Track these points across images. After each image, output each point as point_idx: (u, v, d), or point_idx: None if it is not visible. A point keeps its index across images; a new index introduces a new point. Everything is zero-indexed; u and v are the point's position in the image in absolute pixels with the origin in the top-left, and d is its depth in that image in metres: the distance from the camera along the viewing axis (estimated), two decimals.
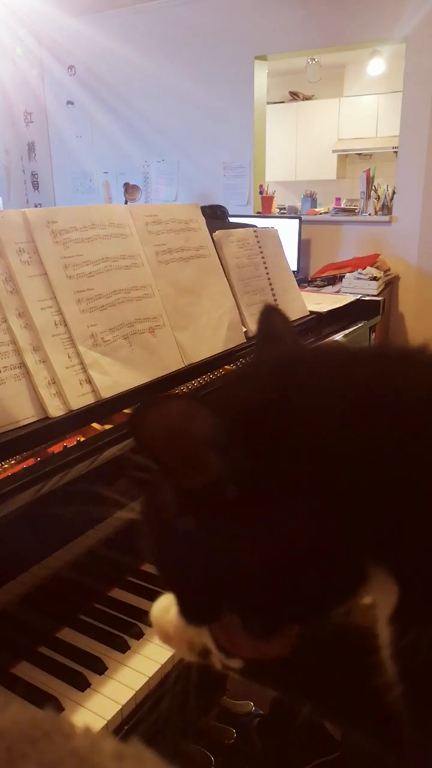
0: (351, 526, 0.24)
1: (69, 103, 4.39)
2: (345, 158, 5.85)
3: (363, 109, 5.48)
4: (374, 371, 0.27)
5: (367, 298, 1.52)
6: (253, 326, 1.16)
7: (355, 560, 0.24)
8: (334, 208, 3.82)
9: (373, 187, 3.45)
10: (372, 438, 0.24)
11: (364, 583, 0.24)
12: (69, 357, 0.79)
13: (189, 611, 0.30)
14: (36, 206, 4.54)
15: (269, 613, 0.26)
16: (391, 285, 3.39)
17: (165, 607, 0.33)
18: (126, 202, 3.75)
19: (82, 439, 0.77)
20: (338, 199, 4.03)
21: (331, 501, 0.24)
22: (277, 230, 1.33)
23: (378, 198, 3.43)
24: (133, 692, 0.62)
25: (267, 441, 0.26)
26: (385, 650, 0.24)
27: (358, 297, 1.50)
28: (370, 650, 0.24)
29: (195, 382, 0.97)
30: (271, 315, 0.37)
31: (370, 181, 3.45)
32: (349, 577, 0.24)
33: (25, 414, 0.73)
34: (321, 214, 3.79)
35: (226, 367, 1.05)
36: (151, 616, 0.35)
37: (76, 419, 0.77)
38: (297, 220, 3.48)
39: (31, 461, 0.71)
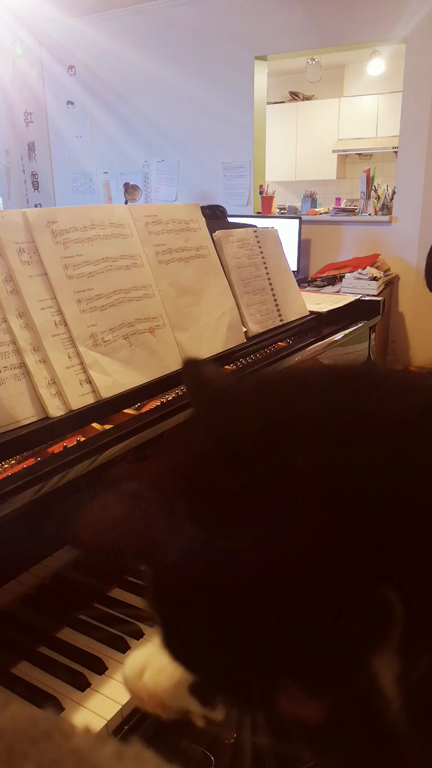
0: (353, 552, 0.23)
1: (69, 103, 4.39)
2: (345, 158, 5.85)
3: (363, 109, 5.48)
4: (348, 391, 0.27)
5: (367, 298, 1.52)
6: (253, 326, 1.16)
7: (369, 589, 0.23)
8: (334, 208, 3.82)
9: (373, 187, 3.45)
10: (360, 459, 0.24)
11: (394, 618, 0.23)
12: (69, 357, 0.79)
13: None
14: (36, 206, 4.54)
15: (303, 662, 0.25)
16: (391, 285, 3.40)
17: (138, 669, 0.32)
18: (126, 202, 3.75)
19: (82, 439, 0.77)
20: (338, 199, 4.04)
21: (327, 526, 0.24)
22: (276, 230, 1.33)
23: (378, 198, 3.44)
24: None
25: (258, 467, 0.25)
26: (386, 681, 0.23)
27: (358, 297, 1.50)
28: (370, 677, 0.24)
29: None
30: (193, 369, 0.34)
31: (370, 181, 3.45)
32: (335, 617, 0.24)
33: (25, 414, 0.73)
34: (321, 214, 3.80)
35: (226, 367, 1.05)
36: (124, 679, 0.33)
37: (76, 419, 0.77)
38: (297, 220, 3.48)
39: (31, 461, 0.71)
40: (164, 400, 0.90)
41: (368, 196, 3.46)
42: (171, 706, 0.30)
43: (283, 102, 5.80)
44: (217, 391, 0.31)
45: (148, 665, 0.33)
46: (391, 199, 3.38)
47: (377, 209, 3.45)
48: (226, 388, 0.32)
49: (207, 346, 1.01)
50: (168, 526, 0.25)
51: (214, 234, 1.12)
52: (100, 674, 0.64)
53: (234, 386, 0.32)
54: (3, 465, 0.71)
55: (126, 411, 0.85)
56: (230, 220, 2.92)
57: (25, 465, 0.70)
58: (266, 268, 1.24)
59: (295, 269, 3.38)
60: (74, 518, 0.26)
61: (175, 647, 0.29)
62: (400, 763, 0.25)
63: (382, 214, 3.43)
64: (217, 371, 0.36)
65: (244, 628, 0.25)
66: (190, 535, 0.25)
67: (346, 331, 1.33)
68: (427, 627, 0.23)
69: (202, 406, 0.31)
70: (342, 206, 3.87)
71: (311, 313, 1.34)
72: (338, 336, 1.29)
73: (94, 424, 0.80)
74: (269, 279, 1.24)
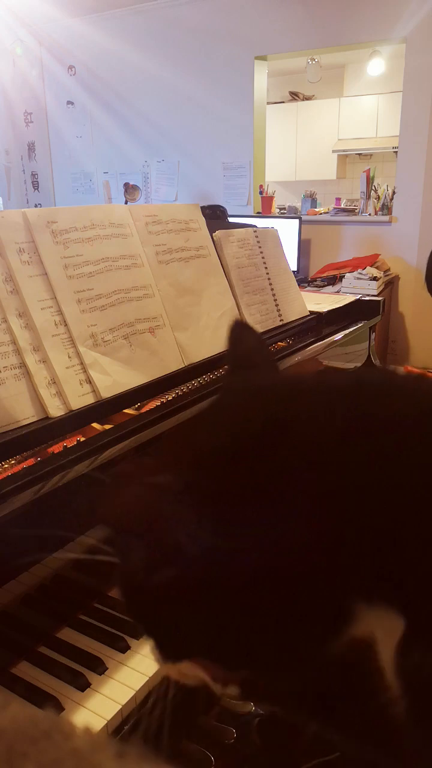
0: (353, 552, 0.23)
1: (69, 103, 4.39)
2: (345, 158, 5.85)
3: (363, 109, 5.48)
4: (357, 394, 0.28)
5: (367, 298, 1.52)
6: (253, 326, 1.16)
7: (344, 598, 0.23)
8: (334, 208, 3.82)
9: (373, 187, 3.45)
10: (364, 459, 0.24)
11: (349, 623, 0.24)
12: (69, 357, 0.79)
13: (164, 648, 0.30)
14: (36, 206, 4.54)
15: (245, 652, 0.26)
16: (391, 285, 3.40)
17: None
18: (126, 202, 3.75)
19: (82, 439, 0.77)
20: (338, 199, 4.04)
21: (327, 526, 0.24)
22: (276, 230, 1.33)
23: (378, 198, 3.44)
24: (133, 692, 0.62)
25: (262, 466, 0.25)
26: (388, 670, 0.23)
27: (358, 297, 1.50)
28: (372, 668, 0.24)
29: (195, 382, 0.97)
30: (241, 332, 0.36)
31: (370, 181, 3.45)
32: (335, 616, 0.24)
33: (25, 414, 0.73)
34: (321, 214, 3.80)
35: (226, 367, 1.05)
36: (151, 648, 0.34)
37: (76, 419, 0.77)
38: (297, 221, 3.48)
39: (31, 461, 0.71)
40: (164, 400, 0.90)
41: (368, 196, 3.46)
42: (190, 675, 0.31)
43: (283, 102, 5.79)
44: (225, 390, 0.31)
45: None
46: (391, 199, 3.38)
47: (377, 209, 3.45)
48: (234, 388, 0.32)
49: (207, 346, 1.01)
50: (172, 525, 0.25)
51: (214, 234, 1.12)
52: (100, 674, 0.64)
53: (241, 385, 0.33)
54: (3, 465, 0.71)
55: (126, 411, 0.85)
56: (230, 220, 2.92)
57: (25, 465, 0.70)
58: (266, 268, 1.24)
59: (295, 269, 3.38)
60: (105, 504, 0.27)
61: (168, 650, 0.29)
62: (401, 755, 0.26)
63: (382, 214, 3.43)
64: (259, 342, 0.37)
65: (243, 629, 0.25)
66: (191, 535, 0.25)
67: (346, 331, 1.33)
68: (427, 627, 0.23)
69: (220, 394, 0.32)
70: (342, 206, 3.87)
71: (311, 313, 1.34)
72: (338, 336, 1.29)
73: (94, 424, 0.80)
74: (269, 279, 1.24)
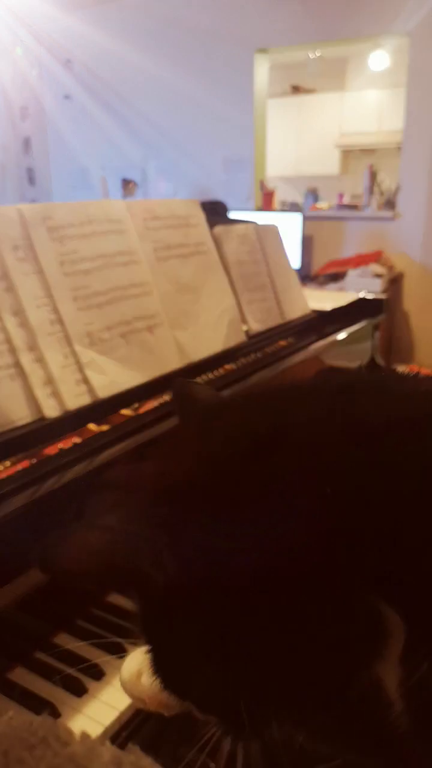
0: (353, 554, 0.22)
1: (66, 98, 4.37)
2: (348, 153, 5.81)
3: (366, 103, 5.44)
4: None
5: (371, 296, 1.50)
6: (254, 324, 1.15)
7: (363, 600, 0.22)
8: (337, 204, 3.80)
9: (377, 183, 3.43)
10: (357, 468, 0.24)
11: (384, 633, 0.22)
12: (65, 356, 0.78)
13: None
14: (32, 202, 4.53)
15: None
16: (394, 282, 3.38)
17: (135, 672, 0.32)
18: (124, 198, 3.73)
19: (78, 440, 0.76)
20: (341, 195, 4.01)
21: (327, 526, 0.23)
22: (278, 226, 1.31)
23: (381, 194, 3.41)
24: None
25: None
26: (390, 686, 0.23)
27: (361, 295, 1.48)
28: (373, 681, 0.23)
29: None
30: (183, 389, 0.35)
31: (373, 176, 3.42)
32: (335, 617, 0.23)
33: (20, 415, 0.72)
34: (323, 210, 3.77)
35: (225, 366, 1.04)
36: (122, 683, 0.33)
37: (73, 420, 0.76)
38: (299, 216, 3.46)
39: (26, 463, 0.70)
40: (163, 401, 0.89)
41: (371, 192, 3.44)
42: (172, 703, 0.30)
43: (284, 96, 5.76)
44: (207, 406, 0.32)
45: (144, 667, 0.33)
46: (395, 194, 3.36)
47: (381, 205, 3.43)
48: (216, 403, 0.32)
49: (206, 345, 0.99)
50: (156, 549, 0.25)
51: (213, 230, 1.11)
52: (98, 680, 0.63)
53: (226, 400, 0.32)
54: None
55: (123, 412, 0.84)
56: (231, 215, 2.90)
57: (19, 467, 0.68)
58: (267, 264, 1.22)
59: (298, 266, 3.37)
60: (55, 554, 0.27)
61: (165, 673, 0.28)
62: (403, 764, 0.25)
63: (386, 210, 3.40)
64: (208, 391, 0.36)
65: (243, 630, 0.25)
66: (187, 541, 0.25)
67: (349, 330, 1.31)
68: (426, 630, 0.22)
69: (192, 421, 0.31)
70: (345, 202, 3.85)
71: (313, 311, 1.32)
72: (341, 335, 1.28)
73: (91, 425, 0.79)
74: (270, 276, 1.22)
